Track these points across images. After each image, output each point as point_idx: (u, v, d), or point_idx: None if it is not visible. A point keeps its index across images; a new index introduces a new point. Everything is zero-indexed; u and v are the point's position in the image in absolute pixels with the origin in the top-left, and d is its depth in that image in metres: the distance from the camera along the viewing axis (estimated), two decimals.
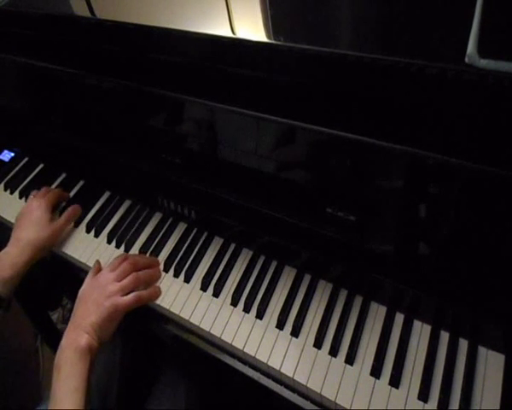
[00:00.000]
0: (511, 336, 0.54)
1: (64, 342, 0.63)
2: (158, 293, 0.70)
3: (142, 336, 0.69)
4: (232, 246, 0.75)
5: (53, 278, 1.23)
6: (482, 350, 0.57)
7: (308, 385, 0.58)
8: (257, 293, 0.68)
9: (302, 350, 0.61)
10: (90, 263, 0.77)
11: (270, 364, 0.61)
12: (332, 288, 0.67)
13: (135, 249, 0.78)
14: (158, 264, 0.74)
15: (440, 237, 0.53)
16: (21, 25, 0.80)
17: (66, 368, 0.60)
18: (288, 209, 0.64)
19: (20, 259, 0.73)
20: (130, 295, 0.67)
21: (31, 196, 0.84)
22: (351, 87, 0.52)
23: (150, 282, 0.72)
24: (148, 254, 0.76)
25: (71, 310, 1.55)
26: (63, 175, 0.94)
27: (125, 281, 0.67)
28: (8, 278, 0.72)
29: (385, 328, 0.62)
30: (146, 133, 0.74)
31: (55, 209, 0.85)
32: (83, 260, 0.78)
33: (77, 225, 0.84)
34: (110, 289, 0.66)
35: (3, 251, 0.75)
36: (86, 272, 0.77)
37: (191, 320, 0.67)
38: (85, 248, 0.80)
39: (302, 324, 0.64)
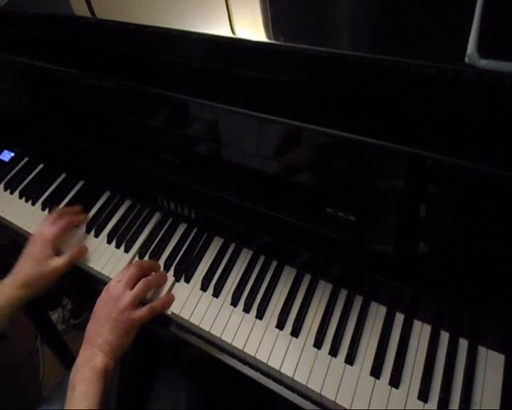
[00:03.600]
0: (511, 336, 0.54)
1: (80, 360, 0.62)
2: (171, 301, 0.69)
3: (142, 336, 0.68)
4: (232, 246, 0.75)
5: None
6: (482, 350, 0.57)
7: (308, 385, 0.58)
8: (257, 293, 0.68)
9: (302, 350, 0.61)
10: (90, 263, 0.77)
11: (270, 364, 0.61)
12: (332, 288, 0.67)
13: (135, 249, 0.78)
14: (160, 267, 0.74)
15: (440, 237, 0.53)
16: (21, 25, 0.80)
17: (82, 387, 0.59)
18: (288, 209, 0.64)
19: (16, 293, 0.71)
20: (145, 308, 0.66)
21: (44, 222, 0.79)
22: (350, 87, 0.52)
23: (158, 286, 0.71)
24: (148, 255, 0.76)
25: (71, 310, 1.55)
26: (63, 175, 0.94)
27: (137, 289, 0.66)
28: (1, 307, 0.70)
29: (385, 328, 0.62)
30: (146, 133, 0.74)
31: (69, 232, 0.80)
32: (83, 261, 0.78)
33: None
34: (123, 301, 0.64)
35: (1, 282, 0.73)
36: (86, 273, 0.78)
37: (191, 320, 0.67)
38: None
39: (302, 324, 0.64)
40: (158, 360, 0.86)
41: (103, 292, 0.68)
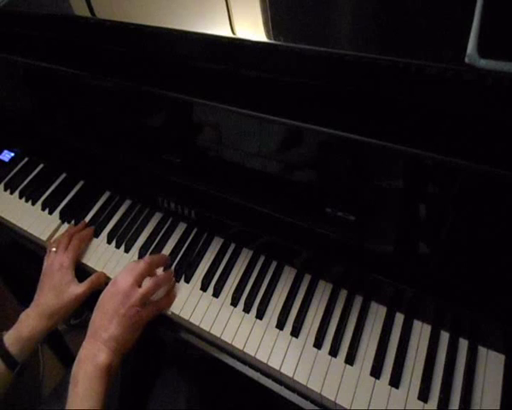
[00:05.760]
0: (511, 336, 0.54)
1: (83, 353, 0.61)
2: (173, 299, 0.69)
3: (143, 336, 0.68)
4: (232, 246, 0.75)
5: None
6: (482, 350, 0.57)
7: (308, 385, 0.58)
8: (257, 293, 0.68)
9: (302, 350, 0.61)
10: (90, 263, 0.78)
11: (269, 364, 0.61)
12: (332, 288, 0.67)
13: (135, 249, 0.78)
14: (168, 260, 0.74)
15: (440, 237, 0.53)
16: (21, 25, 0.80)
17: (85, 384, 0.58)
18: (288, 209, 0.64)
19: (39, 324, 0.70)
20: (151, 306, 0.66)
21: (53, 249, 0.77)
22: (350, 87, 0.52)
23: (166, 284, 0.70)
24: (147, 255, 0.76)
25: None
26: (63, 175, 0.94)
27: (147, 288, 0.65)
28: (25, 339, 0.69)
29: (385, 328, 0.62)
30: (146, 133, 0.74)
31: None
32: (83, 260, 0.78)
33: (76, 224, 0.84)
34: (132, 298, 0.64)
35: (25, 312, 0.72)
36: (86, 273, 0.78)
37: (191, 320, 0.67)
38: (85, 247, 0.80)
39: (302, 324, 0.64)
40: (158, 361, 0.86)
41: (110, 286, 0.67)
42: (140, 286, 0.66)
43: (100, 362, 0.59)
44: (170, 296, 0.69)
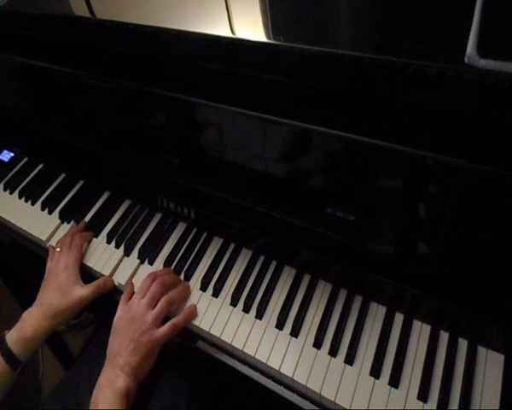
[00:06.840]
0: (511, 336, 0.54)
1: (102, 380, 0.62)
2: (193, 314, 0.67)
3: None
4: (232, 246, 0.75)
5: None
6: (482, 350, 0.57)
7: (307, 385, 0.58)
8: (256, 293, 0.68)
9: (302, 350, 0.61)
10: (90, 263, 0.78)
11: (269, 364, 0.61)
12: (331, 288, 0.67)
13: (134, 250, 0.78)
14: (181, 281, 0.72)
15: (440, 237, 0.53)
16: (21, 25, 0.80)
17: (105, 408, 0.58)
18: (288, 209, 0.64)
19: (42, 324, 0.70)
20: (167, 326, 0.64)
21: (57, 249, 0.77)
22: (350, 87, 0.52)
23: (181, 301, 0.69)
24: (147, 255, 0.76)
25: None
26: (63, 175, 0.94)
27: (159, 308, 0.65)
28: (28, 338, 0.69)
29: (384, 328, 0.62)
30: (146, 134, 0.74)
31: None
32: (83, 260, 0.78)
33: (76, 224, 0.84)
34: (145, 322, 0.63)
35: (27, 311, 0.72)
36: (85, 272, 0.78)
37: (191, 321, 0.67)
38: (84, 247, 0.80)
39: (302, 324, 0.64)
40: (158, 361, 0.86)
41: (125, 309, 0.67)
42: (154, 307, 0.65)
43: (118, 387, 0.60)
44: (186, 313, 0.67)
